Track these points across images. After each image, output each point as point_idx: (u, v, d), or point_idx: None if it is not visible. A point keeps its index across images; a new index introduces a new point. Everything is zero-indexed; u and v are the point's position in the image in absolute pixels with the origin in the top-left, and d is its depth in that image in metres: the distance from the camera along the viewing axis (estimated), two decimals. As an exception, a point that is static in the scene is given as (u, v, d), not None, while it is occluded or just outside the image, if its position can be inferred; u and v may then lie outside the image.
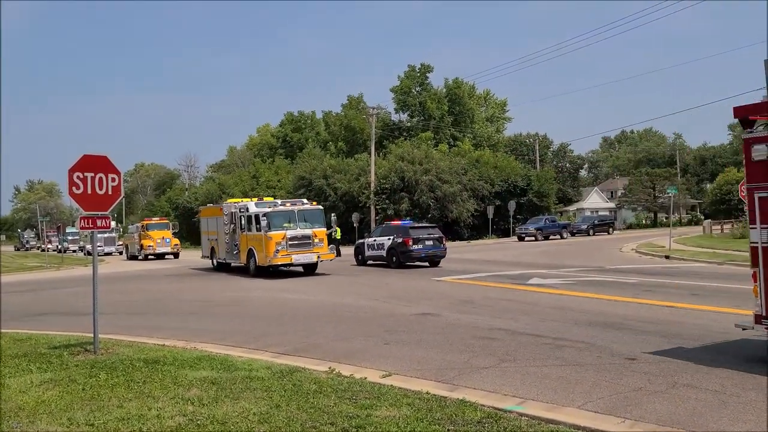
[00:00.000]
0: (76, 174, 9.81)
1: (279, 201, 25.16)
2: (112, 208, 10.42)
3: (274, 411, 6.47)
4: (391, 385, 7.45)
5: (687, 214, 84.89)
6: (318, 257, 23.54)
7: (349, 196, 53.25)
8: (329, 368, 8.39)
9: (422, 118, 72.21)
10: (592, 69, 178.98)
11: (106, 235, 55.54)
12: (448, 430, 5.78)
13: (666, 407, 6.49)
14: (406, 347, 9.95)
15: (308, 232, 23.38)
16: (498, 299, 15.10)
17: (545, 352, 9.13)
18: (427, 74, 74.16)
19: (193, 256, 41.14)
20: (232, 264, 26.69)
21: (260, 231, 23.30)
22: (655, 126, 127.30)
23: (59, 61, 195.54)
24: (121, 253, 54.74)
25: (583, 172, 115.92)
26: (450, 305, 14.34)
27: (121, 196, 10.72)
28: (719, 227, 49.47)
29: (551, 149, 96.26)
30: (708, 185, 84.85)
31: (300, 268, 24.61)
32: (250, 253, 24.31)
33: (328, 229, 25.46)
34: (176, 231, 47.50)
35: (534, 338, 10.19)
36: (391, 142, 65.28)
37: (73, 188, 9.81)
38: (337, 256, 27.69)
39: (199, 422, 6.16)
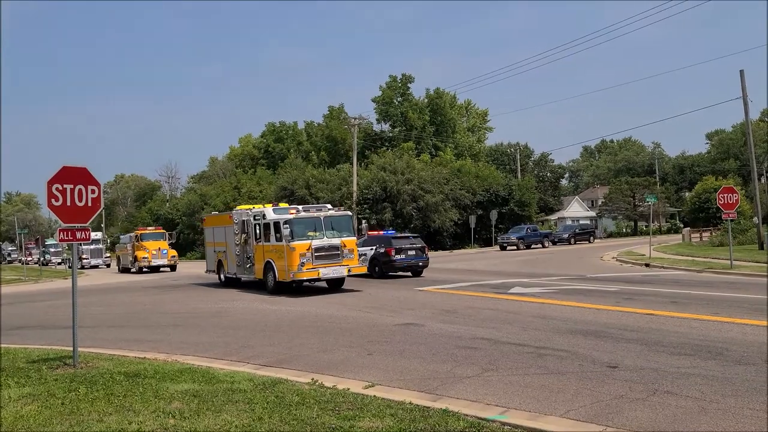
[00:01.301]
0: (55, 186, 9.72)
1: (300, 207, 21.72)
2: (91, 220, 10.33)
3: (256, 423, 6.43)
4: (374, 396, 7.44)
5: (666, 222, 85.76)
6: (348, 271, 20.47)
7: (331, 207, 53.14)
8: (312, 379, 8.36)
9: (404, 128, 72.49)
10: (573, 79, 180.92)
11: (92, 247, 52.17)
12: (431, 440, 5.78)
13: (647, 414, 6.54)
14: (389, 357, 9.94)
15: (336, 241, 20.34)
16: (480, 308, 15.13)
17: (527, 361, 9.17)
18: (409, 84, 74.63)
19: (185, 268, 40.64)
20: (243, 279, 23.92)
21: (281, 241, 20.20)
22: (635, 135, 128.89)
23: (36, 70, 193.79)
24: (108, 265, 52.31)
25: (564, 182, 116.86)
26: (433, 315, 14.35)
27: (101, 208, 10.63)
28: (698, 235, 50.00)
29: (532, 159, 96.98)
30: (687, 194, 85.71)
31: (324, 284, 21.58)
32: (268, 267, 21.15)
33: (358, 238, 22.32)
34: (173, 242, 44.16)
35: (516, 347, 10.23)
36: (373, 152, 65.40)
37: (53, 200, 9.71)
38: None
39: (180, 436, 6.11)
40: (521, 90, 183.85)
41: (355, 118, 57.15)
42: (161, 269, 40.67)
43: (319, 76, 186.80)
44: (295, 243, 19.73)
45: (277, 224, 20.55)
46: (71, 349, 9.99)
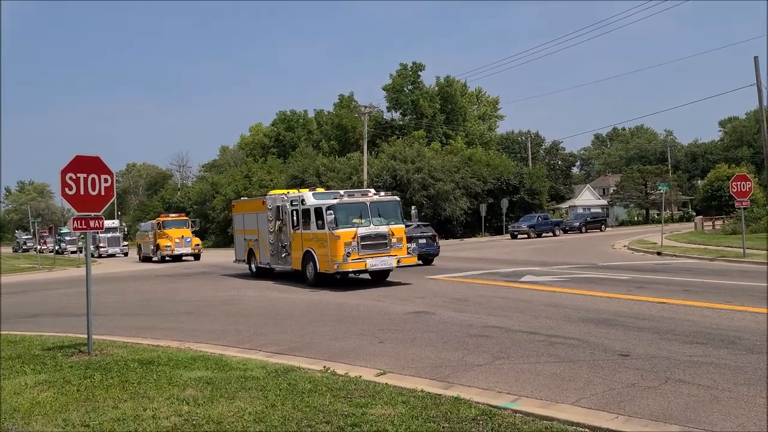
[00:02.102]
0: (69, 175, 9.78)
1: (342, 191, 19.82)
2: (105, 208, 10.40)
3: (269, 410, 6.48)
4: (386, 384, 7.48)
5: (678, 210, 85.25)
6: (398, 262, 18.62)
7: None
8: (324, 367, 8.41)
9: (414, 116, 72.30)
10: (584, 67, 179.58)
11: (109, 235, 51.04)
12: (443, 427, 5.81)
13: (659, 403, 6.54)
14: (400, 345, 9.98)
15: (384, 229, 18.54)
16: (492, 297, 15.14)
17: (539, 349, 9.18)
18: (419, 73, 74.38)
19: (205, 257, 39.86)
20: (277, 269, 22.18)
21: (323, 228, 18.49)
22: (647, 123, 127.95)
23: (50, 63, 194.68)
24: (126, 254, 51.24)
25: (575, 170, 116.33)
26: (444, 303, 14.37)
27: (114, 197, 10.70)
28: (711, 223, 49.70)
29: (543, 147, 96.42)
30: (699, 182, 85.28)
31: (367, 275, 19.85)
32: (308, 257, 19.43)
33: (407, 226, 20.05)
34: (196, 229, 42.11)
35: (528, 335, 10.24)
36: (384, 140, 65.33)
37: (66, 189, 9.78)
38: None
39: (194, 422, 6.17)
40: (533, 78, 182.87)
41: (365, 107, 57.06)
42: (184, 258, 39.06)
43: (330, 66, 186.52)
44: (340, 231, 17.99)
45: (318, 210, 18.85)
46: (86, 336, 10.09)
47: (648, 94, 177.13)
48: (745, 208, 25.74)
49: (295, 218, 20.38)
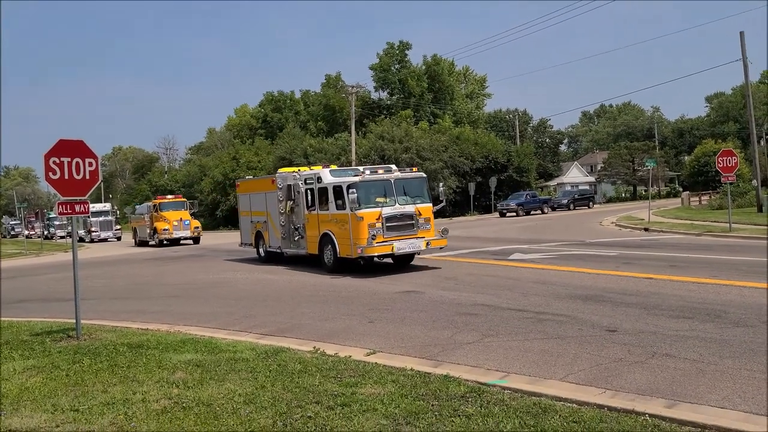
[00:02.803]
0: (53, 159, 9.70)
1: (363, 168, 18.16)
2: (90, 192, 10.32)
3: (259, 392, 6.50)
4: (376, 363, 7.51)
5: (666, 186, 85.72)
6: (427, 244, 17.06)
7: (329, 176, 53.05)
8: (314, 348, 8.43)
9: (402, 95, 72.00)
10: (571, 44, 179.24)
11: (101, 219, 49.35)
12: (433, 405, 5.85)
13: (645, 377, 6.61)
14: (390, 325, 10.02)
15: (410, 209, 17.00)
16: (480, 275, 15.20)
17: (527, 327, 9.24)
18: (406, 51, 73.91)
19: (205, 240, 38.32)
20: (287, 253, 20.67)
21: (342, 209, 16.97)
22: (634, 100, 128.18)
23: (31, 44, 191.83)
24: (119, 238, 49.35)
25: (563, 147, 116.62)
26: (433, 282, 14.42)
27: (99, 181, 10.62)
28: (697, 199, 49.98)
29: (531, 125, 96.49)
30: (686, 157, 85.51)
31: (389, 260, 18.45)
32: (326, 240, 17.79)
33: (434, 205, 18.65)
34: (195, 211, 40.00)
35: (516, 313, 10.30)
36: (371, 120, 65.03)
37: (50, 174, 9.70)
38: None
39: (184, 405, 6.18)
40: (520, 56, 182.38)
41: (352, 87, 56.74)
42: (181, 241, 37.24)
43: (316, 46, 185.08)
44: (363, 211, 16.37)
45: (337, 189, 17.24)
46: (74, 321, 10.06)
47: (635, 71, 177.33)
48: (731, 183, 25.90)
49: (309, 198, 18.82)
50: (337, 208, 17.32)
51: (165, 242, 36.45)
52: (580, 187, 75.47)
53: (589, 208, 58.13)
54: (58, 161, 9.74)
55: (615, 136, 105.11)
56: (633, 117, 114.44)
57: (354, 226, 16.50)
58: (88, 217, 47.23)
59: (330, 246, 17.62)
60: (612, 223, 34.13)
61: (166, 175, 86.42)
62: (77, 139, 10.07)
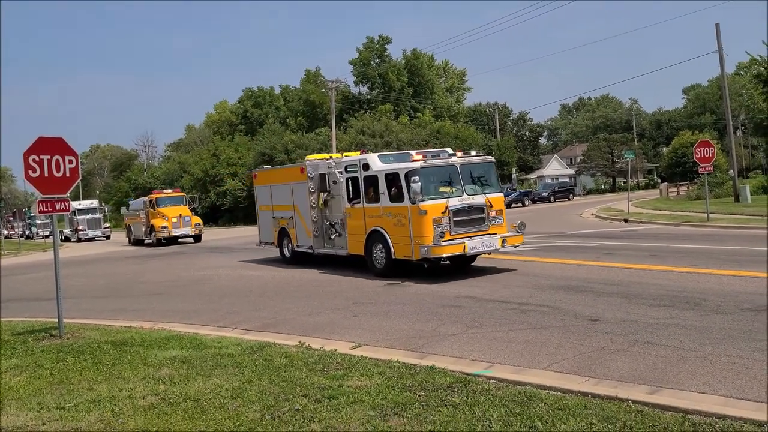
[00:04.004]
0: (32, 157, 9.60)
1: (412, 152, 15.04)
2: (70, 190, 10.23)
3: (246, 386, 6.51)
4: (362, 356, 7.55)
5: (644, 177, 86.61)
6: (503, 242, 14.14)
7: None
8: (299, 342, 8.45)
9: (382, 90, 71.93)
10: (550, 37, 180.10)
11: (89, 217, 46.83)
12: (419, 396, 5.90)
13: (628, 364, 6.71)
14: (374, 318, 10.06)
15: (480, 200, 14.18)
16: (462, 267, 15.27)
17: (511, 317, 9.32)
18: (386, 46, 73.85)
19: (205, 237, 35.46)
20: (317, 252, 17.72)
21: (399, 201, 14.14)
22: (612, 92, 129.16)
23: (6, 42, 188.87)
24: (108, 237, 47.02)
25: (542, 140, 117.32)
26: (415, 274, 14.46)
27: (79, 179, 10.53)
28: (675, 190, 50.54)
29: (511, 118, 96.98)
30: (664, 149, 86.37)
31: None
32: (376, 238, 14.93)
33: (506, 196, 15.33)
34: (194, 206, 36.62)
35: (499, 304, 10.39)
36: (352, 115, 64.95)
37: (30, 172, 9.60)
38: None
39: (171, 400, 6.18)
40: (499, 49, 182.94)
41: (332, 82, 56.56)
42: (181, 240, 34.19)
43: (295, 40, 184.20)
44: (427, 204, 13.58)
45: (392, 177, 14.43)
46: (56, 320, 9.98)
47: (613, 63, 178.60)
48: (708, 174, 26.21)
49: (351, 189, 15.98)
50: (391, 200, 14.47)
51: (163, 241, 33.14)
52: (560, 180, 76.07)
53: (569, 200, 58.60)
54: (37, 159, 9.64)
55: (594, 129, 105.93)
56: (611, 109, 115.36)
57: (415, 222, 13.71)
58: (74, 214, 46.32)
59: (381, 245, 14.87)
60: (592, 214, 34.44)
61: (145, 173, 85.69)
62: (57, 136, 9.98)
